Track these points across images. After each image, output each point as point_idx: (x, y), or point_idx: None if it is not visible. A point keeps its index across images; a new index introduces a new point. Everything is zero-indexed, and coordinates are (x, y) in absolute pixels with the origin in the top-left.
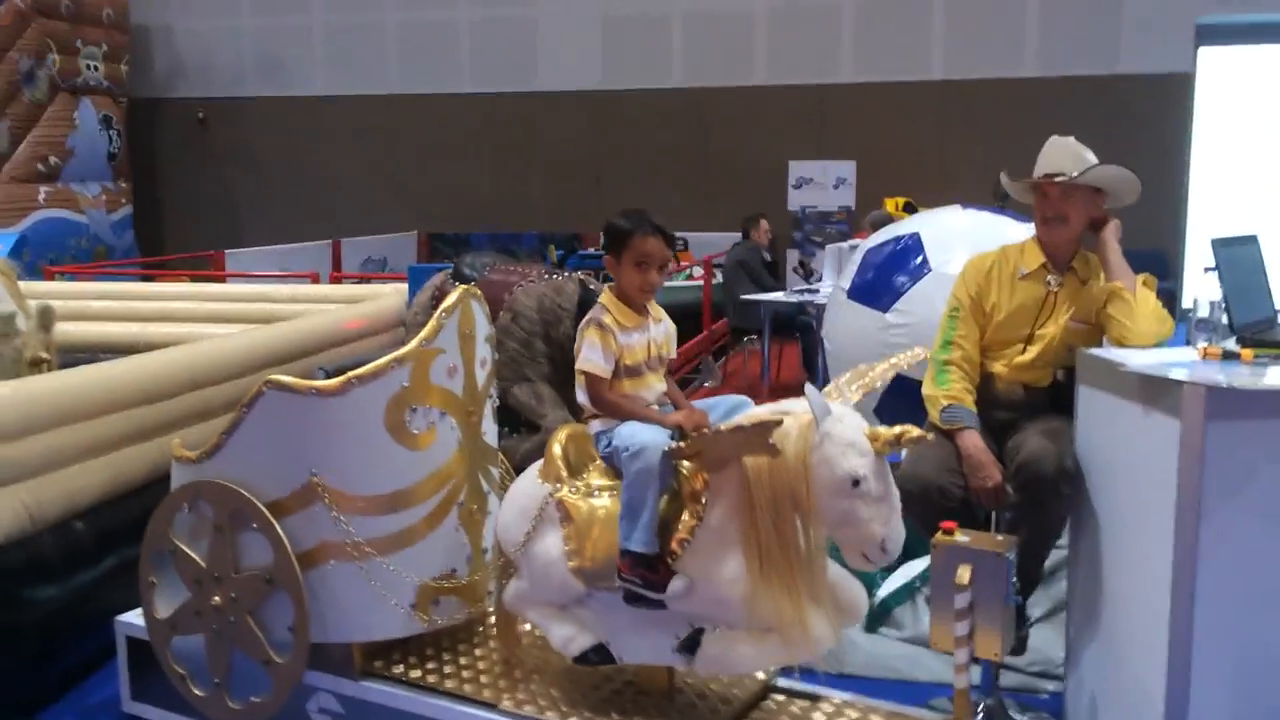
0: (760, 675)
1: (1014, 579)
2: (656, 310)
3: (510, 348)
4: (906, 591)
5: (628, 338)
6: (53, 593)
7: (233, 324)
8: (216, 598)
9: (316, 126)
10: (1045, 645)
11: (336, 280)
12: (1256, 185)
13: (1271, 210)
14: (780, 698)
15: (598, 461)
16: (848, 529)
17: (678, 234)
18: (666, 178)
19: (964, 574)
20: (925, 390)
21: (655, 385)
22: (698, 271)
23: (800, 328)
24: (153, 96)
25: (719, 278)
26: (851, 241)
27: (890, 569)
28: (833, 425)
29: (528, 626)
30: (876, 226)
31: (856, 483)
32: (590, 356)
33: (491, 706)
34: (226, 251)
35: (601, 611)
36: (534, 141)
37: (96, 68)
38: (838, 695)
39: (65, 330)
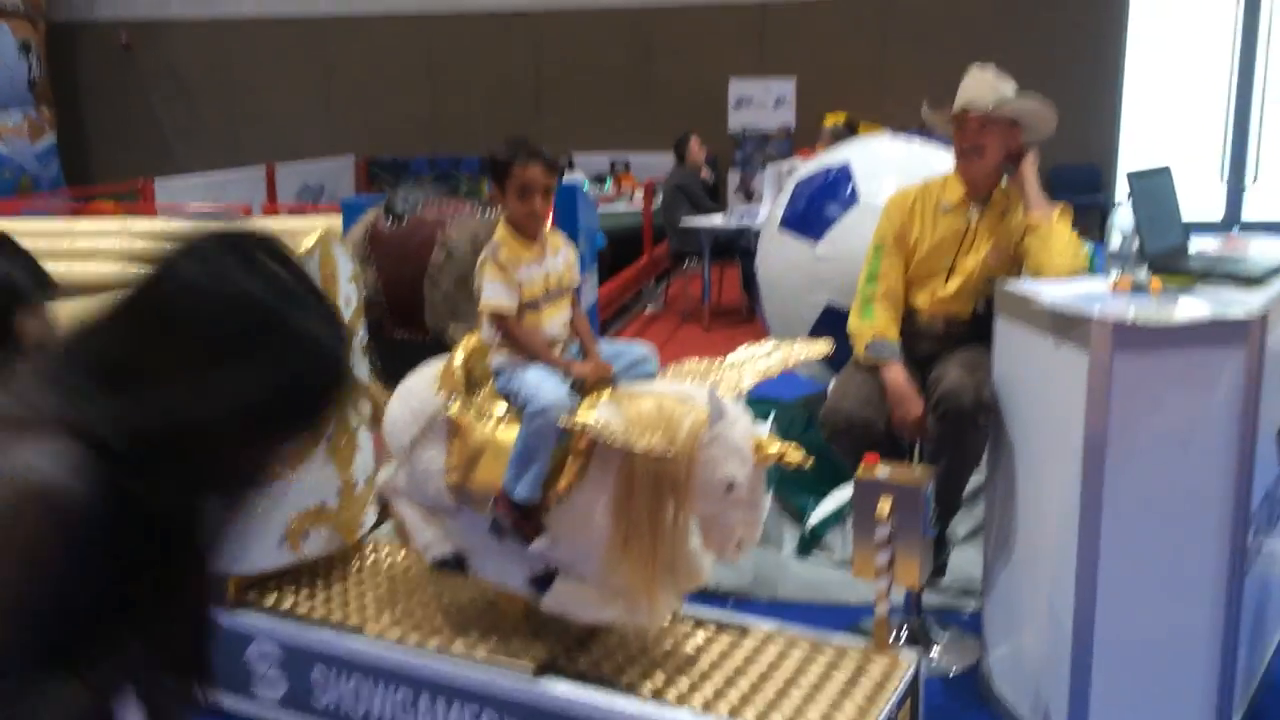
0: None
1: (931, 510)
2: (555, 240)
3: (444, 287)
4: (837, 517)
5: (524, 271)
6: None
7: None
8: None
9: (247, 50)
10: (968, 565)
11: (270, 213)
12: (1188, 96)
13: (1201, 122)
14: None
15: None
16: (712, 523)
17: (619, 156)
18: (608, 99)
19: (884, 507)
20: (850, 325)
21: (556, 318)
22: (639, 196)
23: (740, 251)
24: (72, 20)
25: (660, 200)
26: (790, 162)
27: (820, 495)
28: (725, 429)
29: None
30: (837, 139)
31: (731, 487)
32: (492, 294)
33: (357, 631)
34: (156, 179)
35: (467, 528)
36: (473, 63)
37: None
38: (764, 625)
39: None
